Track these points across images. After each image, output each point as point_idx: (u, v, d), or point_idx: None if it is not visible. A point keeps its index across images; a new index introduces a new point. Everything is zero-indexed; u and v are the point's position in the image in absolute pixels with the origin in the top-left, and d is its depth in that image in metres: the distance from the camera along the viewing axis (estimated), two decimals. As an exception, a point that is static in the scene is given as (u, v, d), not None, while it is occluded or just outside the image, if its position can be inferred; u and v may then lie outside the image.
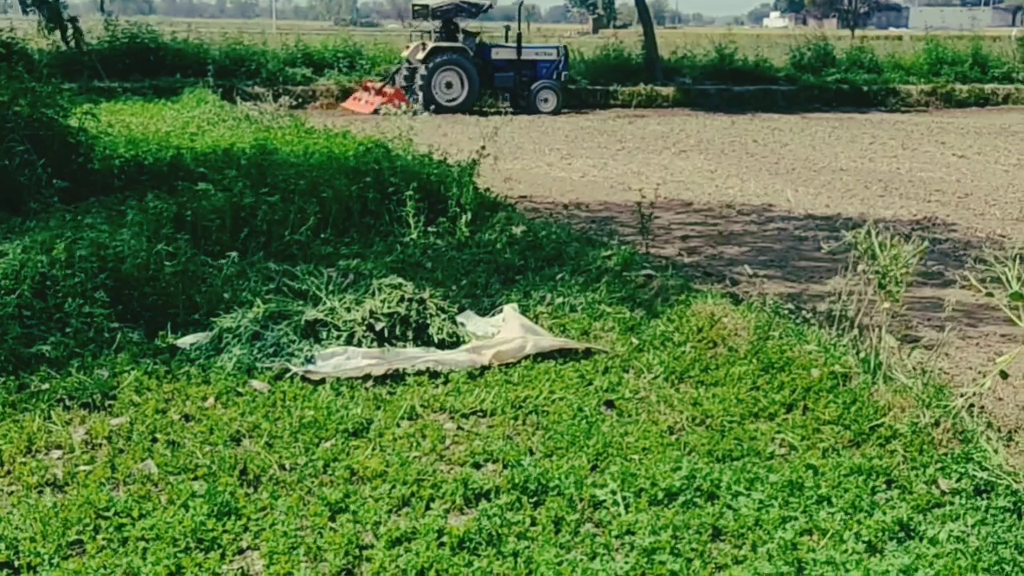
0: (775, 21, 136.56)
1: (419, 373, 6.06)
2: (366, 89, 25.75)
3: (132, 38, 26.13)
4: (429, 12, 26.26)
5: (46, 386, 5.67)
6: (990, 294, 5.48)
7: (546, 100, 25.75)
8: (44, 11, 10.12)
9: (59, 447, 5.05)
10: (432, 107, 24.30)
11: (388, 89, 25.17)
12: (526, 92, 25.75)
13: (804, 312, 6.97)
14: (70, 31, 10.37)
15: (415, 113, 20.83)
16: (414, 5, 27.96)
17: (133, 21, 27.64)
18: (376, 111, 22.89)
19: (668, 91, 28.30)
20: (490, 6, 27.35)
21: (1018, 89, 31.08)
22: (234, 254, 7.71)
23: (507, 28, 27.56)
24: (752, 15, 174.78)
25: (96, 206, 9.00)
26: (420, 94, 24.86)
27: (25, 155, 9.41)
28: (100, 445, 5.07)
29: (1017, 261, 5.40)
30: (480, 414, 5.57)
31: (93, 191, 9.63)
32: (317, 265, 7.73)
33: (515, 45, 26.31)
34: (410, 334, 6.47)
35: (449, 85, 25.17)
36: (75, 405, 5.51)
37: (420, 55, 25.27)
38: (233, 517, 4.29)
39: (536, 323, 6.90)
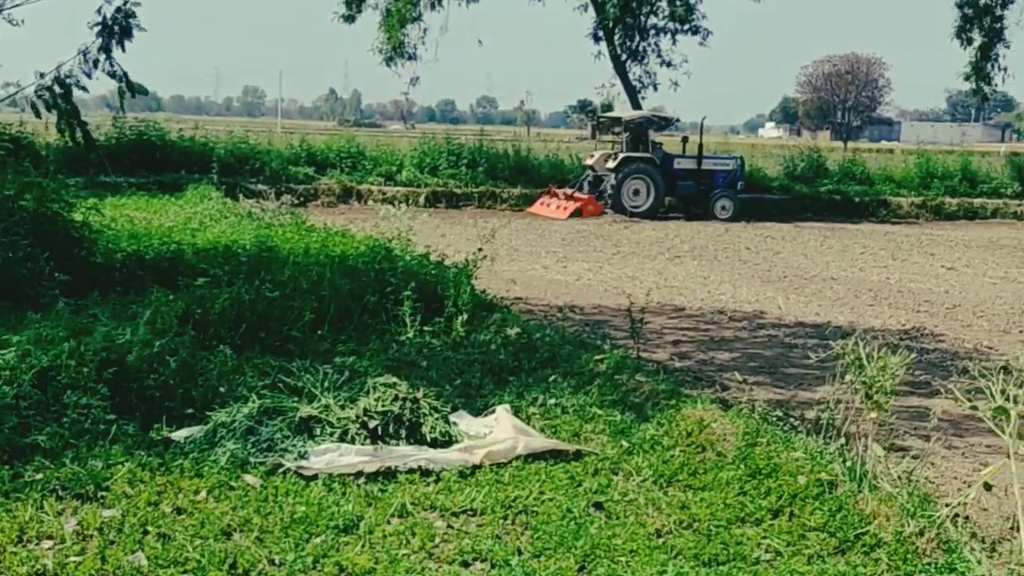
0: (770, 131, 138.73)
1: (411, 471, 6.11)
2: (553, 195, 27.34)
3: (139, 135, 26.49)
4: (622, 125, 28.02)
5: (40, 476, 5.69)
6: (974, 407, 5.58)
7: (724, 208, 27.16)
8: (59, 112, 10.33)
9: (50, 537, 5.06)
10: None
11: (580, 195, 26.93)
12: (704, 200, 27.15)
13: (792, 419, 7.05)
14: (79, 134, 10.57)
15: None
16: (600, 118, 30.60)
17: (141, 118, 28.05)
18: (574, 215, 25.54)
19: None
20: (678, 120, 29.28)
21: (1006, 204, 31.54)
22: (225, 347, 7.77)
23: (684, 140, 29.21)
24: (748, 125, 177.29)
25: (98, 299, 9.10)
26: (609, 200, 26.63)
27: (29, 248, 9.53)
28: (91, 536, 5.09)
29: (1001, 374, 5.51)
30: (470, 513, 5.61)
31: (95, 284, 9.72)
32: (313, 362, 7.80)
33: (696, 156, 27.85)
34: (403, 432, 6.54)
35: (636, 192, 26.79)
36: (68, 495, 5.54)
37: (610, 164, 27.04)
38: (223, 610, 4.31)
39: (528, 424, 6.97)
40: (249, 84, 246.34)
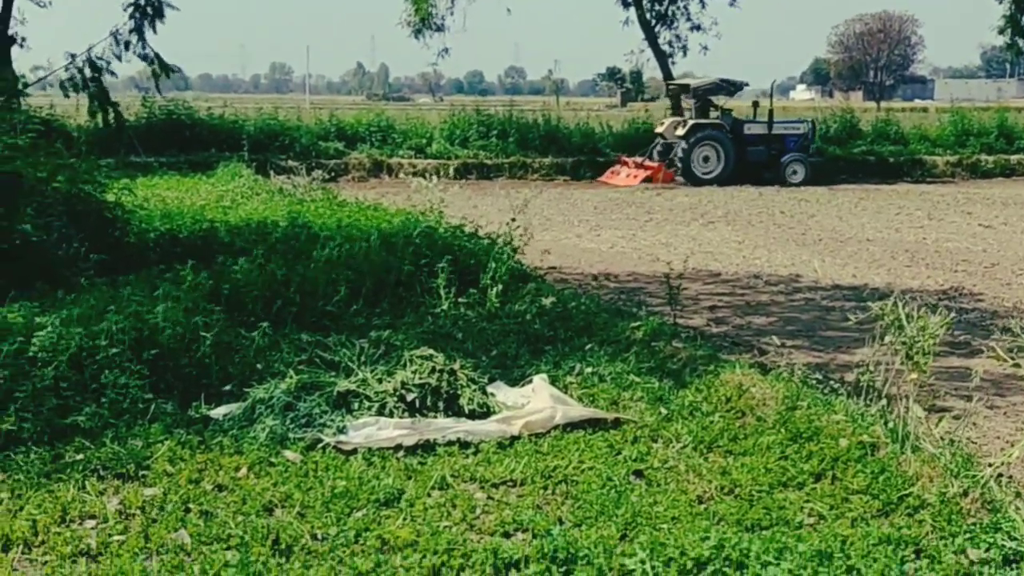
0: (801, 94, 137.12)
1: (450, 443, 6.10)
2: (624, 164, 27.39)
3: (169, 114, 26.61)
4: (690, 92, 28.10)
5: (80, 456, 5.74)
6: (1017, 364, 5.52)
7: (795, 172, 26.86)
8: (90, 95, 10.41)
9: (93, 517, 5.10)
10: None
11: (650, 163, 26.88)
12: (775, 165, 26.83)
13: (832, 382, 6.98)
14: (112, 115, 10.63)
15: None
16: (669, 84, 30.69)
17: (170, 98, 28.10)
18: (645, 181, 25.75)
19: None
20: (746, 84, 29.31)
21: (1044, 160, 31.08)
22: (265, 324, 7.80)
23: (755, 104, 28.94)
24: (779, 88, 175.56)
25: (132, 279, 9.14)
26: (680, 167, 26.50)
27: (63, 229, 9.58)
28: (134, 515, 5.12)
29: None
30: (510, 484, 5.60)
31: (129, 264, 9.76)
32: (349, 336, 7.80)
33: (766, 120, 27.56)
34: (441, 404, 6.54)
35: (706, 159, 26.64)
36: (109, 475, 5.57)
37: (679, 131, 26.78)
38: (266, 586, 4.32)
39: (565, 393, 6.95)
40: (276, 61, 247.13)
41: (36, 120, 11.65)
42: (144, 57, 10.60)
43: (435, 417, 6.42)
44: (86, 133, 20.73)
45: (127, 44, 10.57)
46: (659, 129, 28.27)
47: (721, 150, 26.54)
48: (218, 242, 10.75)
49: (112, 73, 10.71)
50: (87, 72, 10.51)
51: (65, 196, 10.19)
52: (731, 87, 28.53)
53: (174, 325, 7.08)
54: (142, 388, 6.50)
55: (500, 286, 9.55)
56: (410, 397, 6.50)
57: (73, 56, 10.54)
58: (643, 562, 4.50)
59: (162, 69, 10.75)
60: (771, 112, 27.90)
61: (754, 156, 26.97)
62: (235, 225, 11.87)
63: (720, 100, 28.38)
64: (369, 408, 6.44)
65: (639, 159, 27.26)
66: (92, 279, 8.97)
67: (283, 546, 4.76)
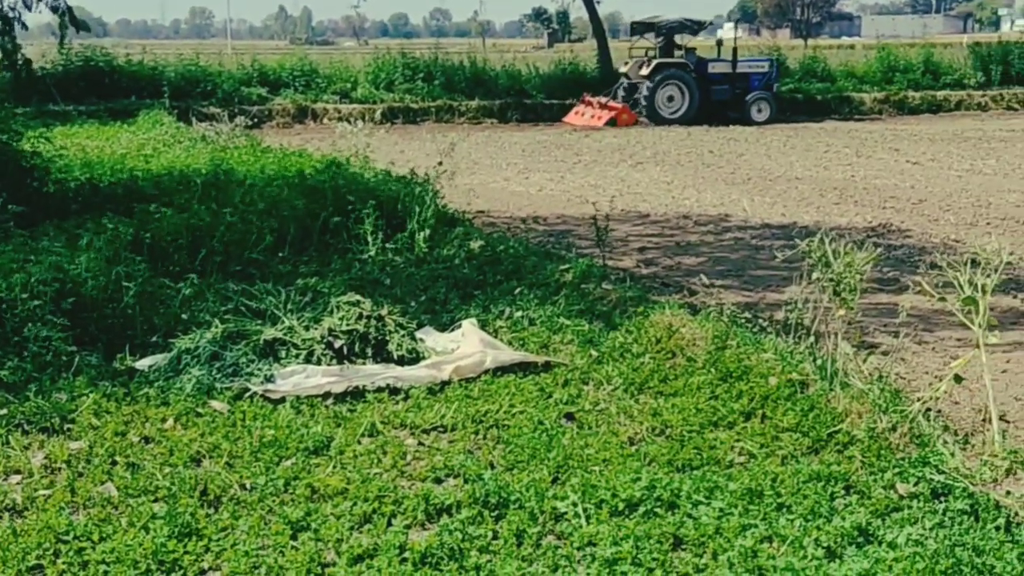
0: (728, 32, 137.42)
1: (379, 390, 6.06)
2: (587, 104, 27.07)
3: (87, 61, 26.00)
4: (654, 29, 27.88)
5: (3, 411, 5.62)
6: (943, 299, 5.57)
7: (760, 110, 26.88)
8: (3, 49, 10.09)
9: (18, 472, 5.00)
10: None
11: (614, 103, 26.59)
12: (740, 104, 26.77)
13: (761, 321, 7.03)
14: (23, 71, 10.33)
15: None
16: (633, 23, 30.01)
17: (87, 44, 27.39)
18: (609, 123, 25.50)
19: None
20: (711, 23, 28.98)
21: (970, 95, 31.45)
22: (193, 276, 7.67)
23: (719, 43, 29.14)
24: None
25: (52, 230, 8.92)
26: (644, 107, 26.41)
27: (-23, 180, 9.31)
28: (59, 469, 5.03)
29: (969, 266, 5.49)
30: (440, 429, 5.58)
31: (48, 215, 9.54)
32: (275, 284, 7.70)
33: (730, 59, 27.46)
34: (369, 351, 6.48)
35: (671, 99, 26.58)
36: (33, 429, 5.47)
37: (644, 71, 26.65)
38: (194, 538, 4.26)
39: (495, 337, 6.92)
40: (196, 5, 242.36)
41: (-54, 68, 11.27)
42: (55, 9, 10.25)
43: (364, 364, 6.37)
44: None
45: (38, -6, 10.23)
46: (623, 69, 28.07)
47: (686, 89, 26.54)
48: (140, 192, 10.52)
49: (24, 26, 10.35)
50: (-1, 25, 10.15)
51: (-21, 147, 9.91)
52: (695, 26, 28.42)
53: (96, 276, 6.94)
54: (65, 340, 6.37)
55: (428, 231, 9.47)
56: (338, 344, 6.44)
57: (-17, 7, 10.18)
58: (575, 504, 4.51)
59: (72, 23, 10.41)
60: (735, 50, 27.85)
61: (718, 95, 26.95)
62: (157, 173, 11.63)
63: (683, 39, 28.31)
64: (296, 356, 6.37)
65: (603, 99, 27.00)
66: (10, 230, 8.74)
67: (211, 497, 4.70)
